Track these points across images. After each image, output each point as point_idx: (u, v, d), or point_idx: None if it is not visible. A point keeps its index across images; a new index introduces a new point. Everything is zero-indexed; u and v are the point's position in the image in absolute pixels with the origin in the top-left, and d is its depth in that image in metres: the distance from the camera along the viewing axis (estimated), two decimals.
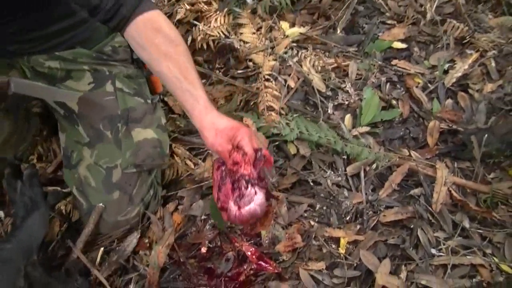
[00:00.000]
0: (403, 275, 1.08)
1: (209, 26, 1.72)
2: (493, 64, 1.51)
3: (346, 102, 1.48)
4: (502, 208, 1.18)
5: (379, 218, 1.20)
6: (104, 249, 1.22)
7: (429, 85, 1.49)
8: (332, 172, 1.31)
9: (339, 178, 1.30)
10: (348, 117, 1.43)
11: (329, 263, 1.14)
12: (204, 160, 1.40)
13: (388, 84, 1.52)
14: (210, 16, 1.76)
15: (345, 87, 1.51)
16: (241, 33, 1.70)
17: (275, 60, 1.59)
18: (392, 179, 1.25)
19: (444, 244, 1.13)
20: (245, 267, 1.14)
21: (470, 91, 1.46)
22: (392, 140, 1.40)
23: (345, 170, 1.30)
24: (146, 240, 1.25)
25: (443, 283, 1.05)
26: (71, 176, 1.25)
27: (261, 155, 0.95)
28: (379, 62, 1.57)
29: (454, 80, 1.48)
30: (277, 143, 1.38)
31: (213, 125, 0.97)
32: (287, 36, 1.68)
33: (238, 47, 1.67)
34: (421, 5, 1.71)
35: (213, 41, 1.72)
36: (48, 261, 1.17)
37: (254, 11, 1.76)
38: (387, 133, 1.41)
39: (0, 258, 0.99)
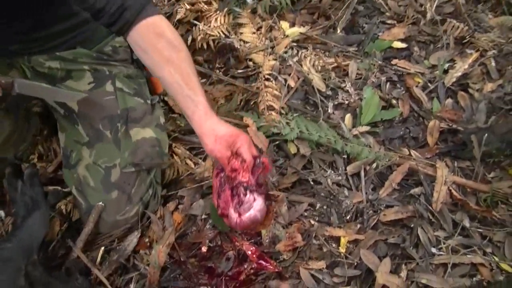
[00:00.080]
0: (403, 274, 1.08)
1: (209, 26, 1.72)
2: (493, 63, 1.51)
3: (346, 102, 1.48)
4: (502, 207, 1.18)
5: (379, 217, 1.20)
6: (104, 248, 1.22)
7: (429, 84, 1.49)
8: (332, 172, 1.32)
9: (340, 178, 1.30)
10: (348, 117, 1.43)
11: (330, 262, 1.14)
12: (204, 159, 1.40)
13: (388, 83, 1.52)
14: (210, 15, 1.76)
15: (345, 86, 1.51)
16: (241, 33, 1.70)
17: (275, 59, 1.59)
18: (392, 179, 1.25)
19: (444, 243, 1.13)
20: (245, 266, 1.14)
21: (470, 90, 1.46)
22: (392, 140, 1.40)
23: (345, 170, 1.30)
24: (147, 240, 1.25)
25: (443, 282, 1.05)
26: (70, 176, 1.25)
27: (260, 162, 0.96)
28: (379, 62, 1.57)
29: (454, 79, 1.48)
30: (277, 142, 1.38)
31: (213, 131, 0.98)
32: (287, 36, 1.68)
33: (238, 47, 1.67)
34: (421, 5, 1.71)
35: (213, 40, 1.72)
36: (48, 260, 1.17)
37: (254, 11, 1.76)
38: (387, 132, 1.41)
39: (1, 257, 0.99)
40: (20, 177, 1.17)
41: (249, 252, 1.14)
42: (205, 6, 1.79)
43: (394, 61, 1.57)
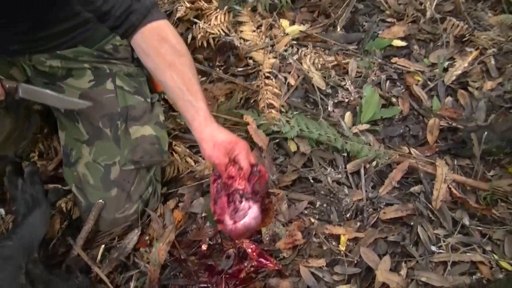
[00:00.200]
0: (403, 272, 1.08)
1: (209, 24, 1.72)
2: (493, 62, 1.51)
3: (346, 100, 1.49)
4: (502, 205, 1.18)
5: (379, 215, 1.20)
6: (104, 246, 1.22)
7: (429, 83, 1.49)
8: (332, 170, 1.32)
9: (339, 176, 1.30)
10: (348, 115, 1.43)
11: (330, 260, 1.14)
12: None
13: (388, 82, 1.52)
14: (210, 14, 1.76)
15: (345, 84, 1.52)
16: (241, 31, 1.70)
17: (275, 58, 1.59)
18: (392, 177, 1.25)
19: (444, 241, 1.14)
20: (245, 264, 1.14)
21: (469, 88, 1.46)
22: (392, 138, 1.40)
23: (345, 168, 1.30)
24: (147, 237, 1.25)
25: (443, 280, 1.06)
26: (70, 174, 1.25)
27: (257, 170, 0.96)
28: (379, 60, 1.57)
29: (453, 78, 1.48)
30: (277, 140, 1.38)
31: (212, 137, 0.98)
32: (287, 34, 1.68)
33: (238, 45, 1.67)
34: (421, 3, 1.71)
35: (213, 39, 1.72)
36: (49, 258, 1.17)
37: (254, 9, 1.77)
38: (387, 130, 1.41)
39: (1, 255, 1.00)
40: (21, 175, 1.17)
41: (249, 250, 1.14)
42: (205, 4, 1.79)
43: (394, 59, 1.57)
